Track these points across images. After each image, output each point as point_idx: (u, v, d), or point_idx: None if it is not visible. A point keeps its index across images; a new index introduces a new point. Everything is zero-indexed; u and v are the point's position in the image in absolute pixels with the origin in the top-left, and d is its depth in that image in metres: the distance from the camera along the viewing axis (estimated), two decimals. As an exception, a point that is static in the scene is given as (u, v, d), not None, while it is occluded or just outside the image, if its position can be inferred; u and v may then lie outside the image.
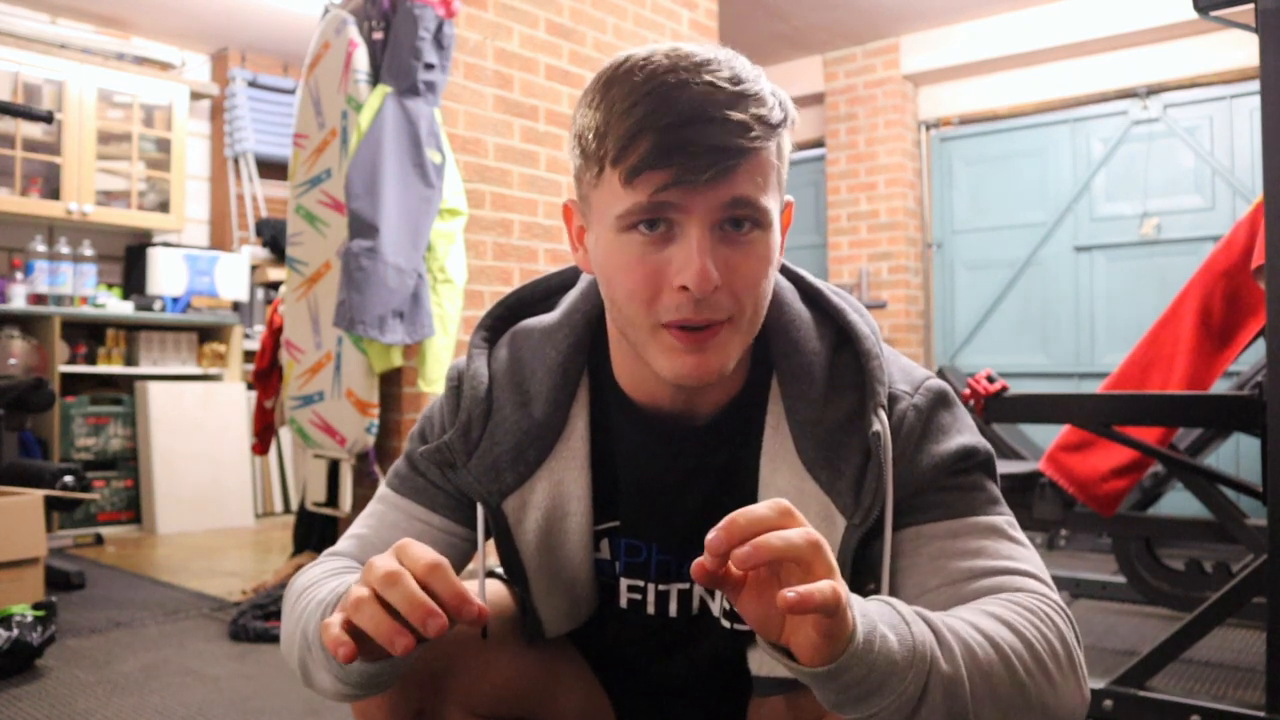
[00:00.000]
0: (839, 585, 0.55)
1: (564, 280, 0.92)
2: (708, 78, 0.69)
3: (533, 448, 0.83)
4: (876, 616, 0.60)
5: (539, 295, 0.92)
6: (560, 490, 0.84)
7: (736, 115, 0.69)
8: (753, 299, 0.74)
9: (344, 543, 0.89)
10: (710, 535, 0.57)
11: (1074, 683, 0.69)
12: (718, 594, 0.87)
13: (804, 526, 0.58)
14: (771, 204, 0.73)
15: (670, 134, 0.68)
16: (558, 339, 0.84)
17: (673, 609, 0.88)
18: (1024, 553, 0.77)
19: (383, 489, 0.91)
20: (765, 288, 0.75)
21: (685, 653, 0.92)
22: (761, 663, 0.85)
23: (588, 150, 0.73)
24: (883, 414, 0.78)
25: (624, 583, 0.89)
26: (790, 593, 0.54)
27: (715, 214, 0.71)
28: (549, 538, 0.85)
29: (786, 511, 0.58)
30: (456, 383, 0.87)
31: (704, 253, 0.70)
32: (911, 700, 0.60)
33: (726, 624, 0.86)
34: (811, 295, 0.86)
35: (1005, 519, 0.79)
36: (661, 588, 0.88)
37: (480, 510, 0.86)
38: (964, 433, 0.81)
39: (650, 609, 0.89)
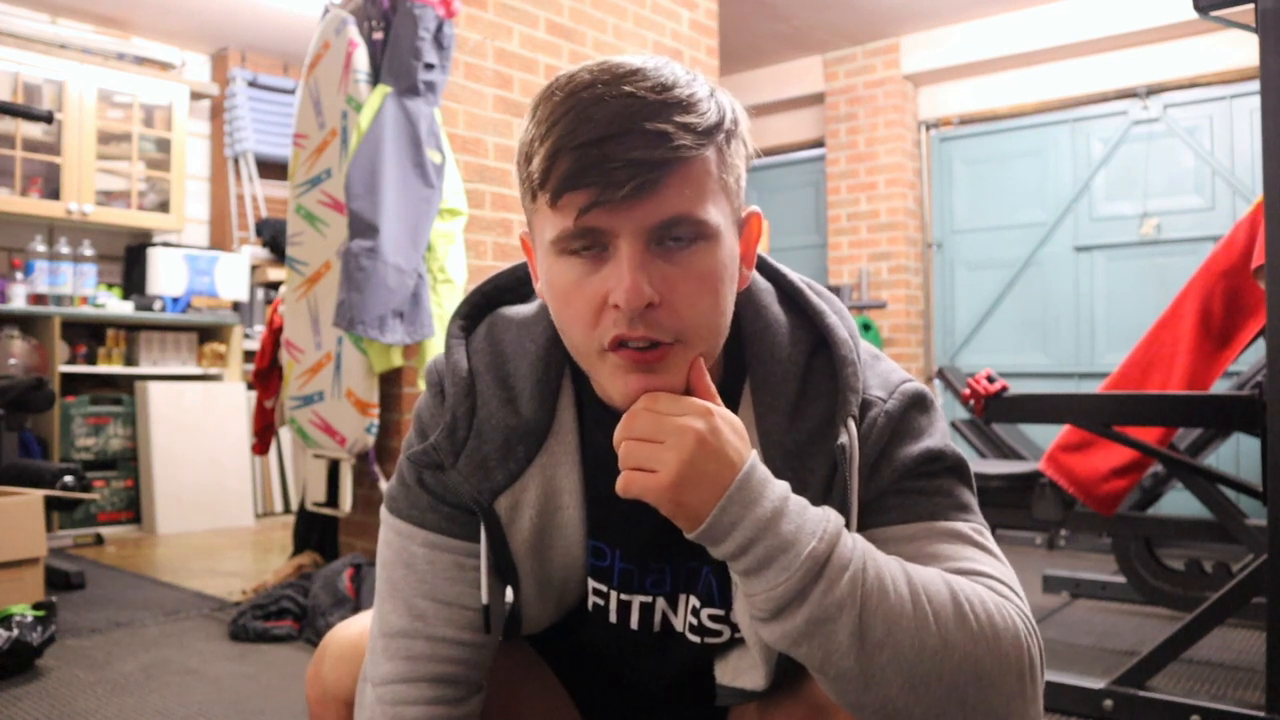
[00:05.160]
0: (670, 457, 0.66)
1: (511, 285, 0.89)
2: (628, 89, 0.66)
3: (522, 444, 0.80)
4: (790, 509, 0.67)
5: (516, 282, 0.89)
6: (553, 486, 0.81)
7: (656, 125, 0.65)
8: (700, 318, 0.70)
9: (391, 613, 0.83)
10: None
11: (1021, 694, 0.66)
12: (680, 609, 0.85)
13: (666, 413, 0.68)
14: (714, 215, 0.69)
15: (586, 151, 0.65)
16: (535, 332, 0.81)
17: (634, 621, 0.86)
18: (990, 560, 0.73)
19: (391, 518, 0.86)
20: (717, 304, 0.71)
21: (651, 661, 0.90)
22: (725, 672, 0.84)
23: (521, 175, 0.72)
24: (852, 425, 0.75)
25: (590, 584, 0.87)
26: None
27: (646, 232, 0.67)
28: (542, 536, 0.83)
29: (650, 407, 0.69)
30: (438, 382, 0.85)
31: (635, 269, 0.67)
32: (790, 594, 0.65)
33: (695, 639, 0.85)
34: (791, 295, 0.83)
35: (971, 525, 0.75)
36: (624, 597, 0.86)
37: (483, 534, 0.83)
38: (934, 436, 0.78)
39: (612, 617, 0.87)
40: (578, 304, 0.70)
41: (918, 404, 0.79)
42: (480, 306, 0.87)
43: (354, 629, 0.94)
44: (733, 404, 0.79)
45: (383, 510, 0.88)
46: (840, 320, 0.81)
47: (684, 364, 0.71)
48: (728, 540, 0.67)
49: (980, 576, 0.71)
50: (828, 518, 0.68)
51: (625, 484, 0.68)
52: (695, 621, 0.84)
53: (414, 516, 0.85)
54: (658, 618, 0.86)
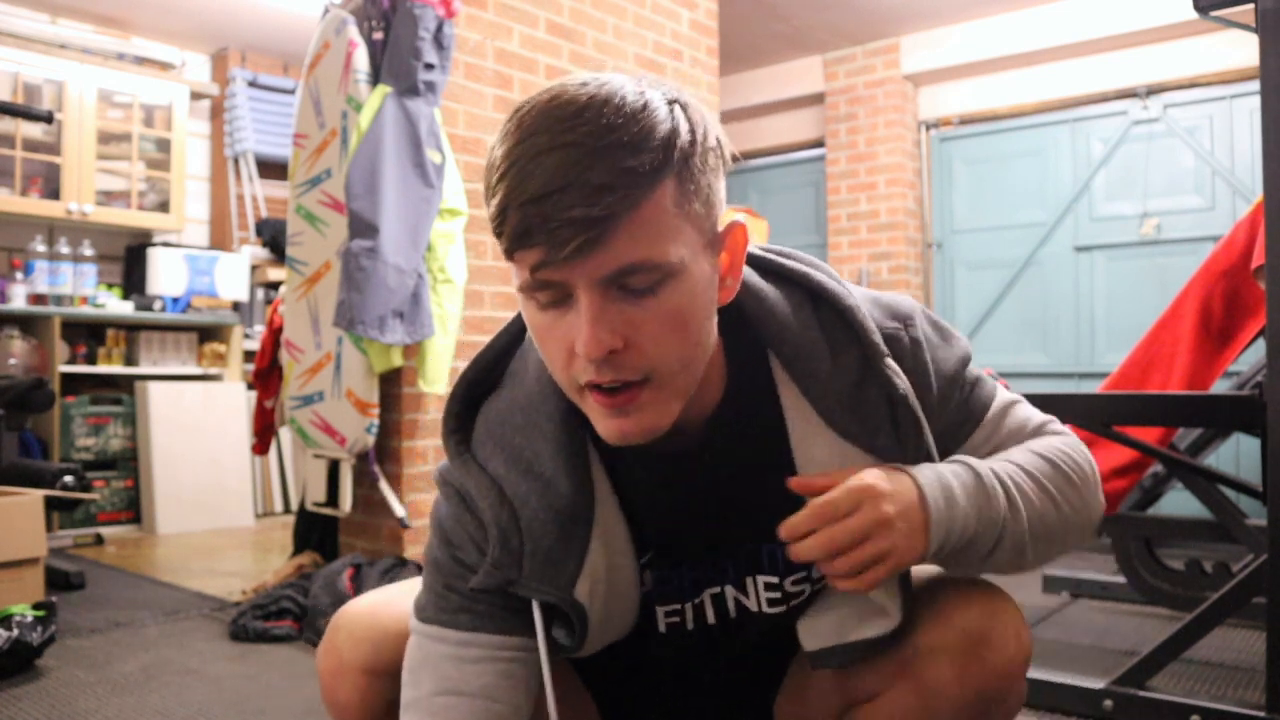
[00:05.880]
0: (888, 534, 0.73)
1: (505, 346, 0.87)
2: (569, 138, 0.64)
3: (578, 524, 0.79)
4: (961, 498, 0.76)
5: (486, 367, 0.87)
6: (611, 549, 0.81)
7: (597, 178, 0.64)
8: (668, 355, 0.70)
9: (418, 713, 0.80)
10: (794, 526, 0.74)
11: (1096, 497, 0.86)
12: (751, 590, 0.86)
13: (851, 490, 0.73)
14: (674, 252, 0.68)
15: (529, 210, 0.65)
16: (549, 409, 0.80)
17: (710, 616, 0.87)
18: (1026, 409, 0.89)
19: (420, 623, 0.84)
20: (686, 338, 0.71)
21: (726, 651, 0.91)
22: (829, 631, 0.84)
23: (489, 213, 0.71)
24: (892, 364, 0.80)
25: (660, 610, 0.87)
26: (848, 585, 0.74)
27: (600, 281, 0.67)
28: (609, 601, 0.82)
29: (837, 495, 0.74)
30: (457, 494, 0.83)
31: (592, 320, 0.67)
32: (988, 550, 0.78)
33: (778, 610, 0.86)
34: (773, 269, 0.84)
35: (1000, 390, 0.89)
36: (696, 601, 0.87)
37: (535, 607, 0.81)
38: (950, 337, 0.87)
39: (689, 624, 0.88)
40: (550, 346, 0.72)
41: (924, 316, 0.86)
42: (464, 415, 0.85)
43: (365, 603, 0.94)
44: (765, 382, 0.81)
45: (418, 623, 0.85)
46: (826, 275, 0.84)
47: (659, 400, 0.72)
48: (948, 551, 0.77)
49: (1042, 432, 0.88)
50: (970, 472, 0.78)
51: (869, 583, 0.74)
52: (775, 595, 0.86)
53: (444, 620, 0.83)
54: (731, 604, 0.87)
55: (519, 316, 0.86)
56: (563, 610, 0.81)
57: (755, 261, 0.85)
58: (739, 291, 0.80)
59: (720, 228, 0.74)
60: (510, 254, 0.68)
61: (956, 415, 0.85)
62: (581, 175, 0.64)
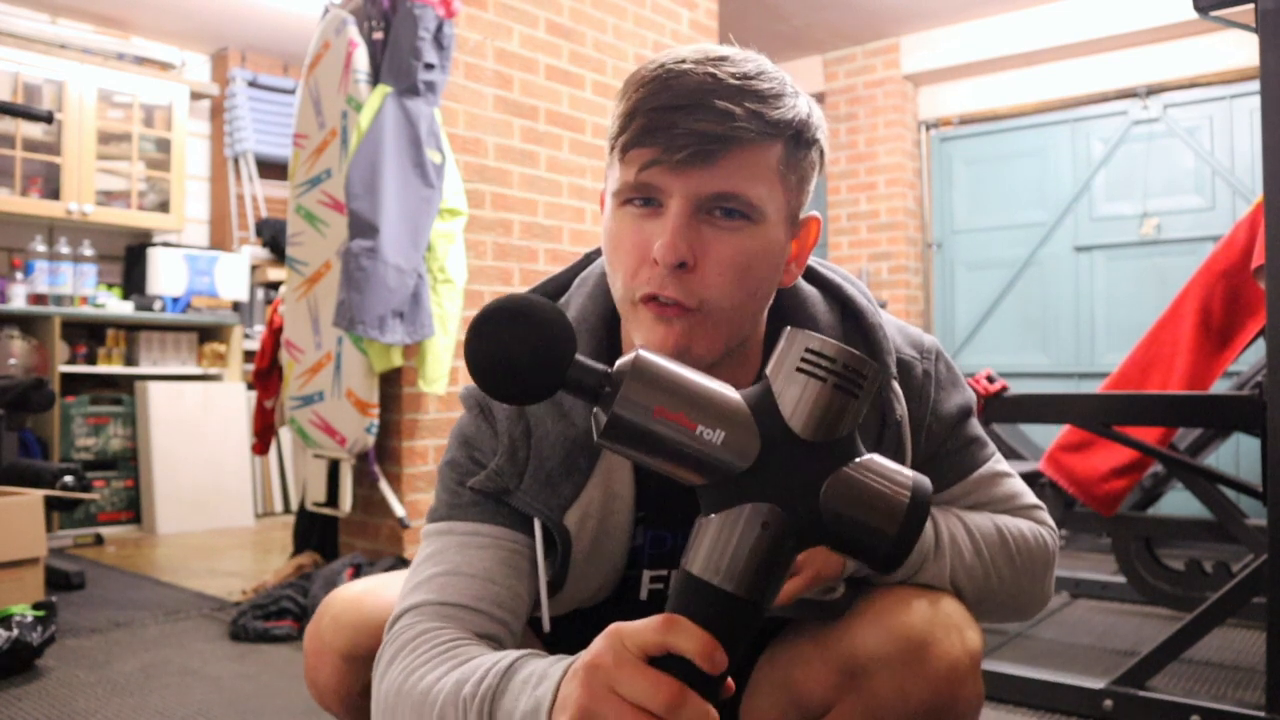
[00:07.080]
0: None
1: (557, 285, 0.92)
2: (711, 70, 0.72)
3: (583, 455, 0.82)
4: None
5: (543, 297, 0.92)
6: (611, 491, 0.84)
7: (725, 104, 0.70)
8: (724, 290, 0.74)
9: (418, 593, 0.80)
10: None
11: (1034, 584, 0.90)
12: None
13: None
14: (764, 201, 0.74)
15: (657, 116, 0.71)
16: (584, 341, 0.84)
17: None
18: (1015, 485, 0.92)
19: (429, 526, 0.87)
20: (744, 283, 0.75)
21: None
22: None
23: (609, 134, 0.78)
24: (897, 387, 0.84)
25: (647, 574, 0.89)
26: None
27: (696, 198, 0.72)
28: (598, 540, 0.84)
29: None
30: (477, 405, 0.86)
31: (676, 230, 0.72)
32: (908, 577, 0.83)
33: None
34: (814, 274, 0.90)
35: (995, 458, 0.92)
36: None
37: (537, 524, 0.84)
38: (959, 385, 0.91)
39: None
40: (626, 248, 0.76)
41: (940, 356, 0.90)
42: None
43: (356, 588, 0.96)
44: None
45: (428, 525, 0.87)
46: (857, 289, 0.89)
47: (703, 331, 0.75)
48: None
49: (1022, 513, 0.91)
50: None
51: (786, 594, 0.76)
52: None
53: (466, 515, 0.85)
54: None
55: (574, 265, 0.93)
56: (551, 540, 0.84)
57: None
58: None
59: (802, 215, 0.81)
60: (625, 151, 0.73)
61: (942, 462, 0.89)
62: (713, 100, 0.71)
